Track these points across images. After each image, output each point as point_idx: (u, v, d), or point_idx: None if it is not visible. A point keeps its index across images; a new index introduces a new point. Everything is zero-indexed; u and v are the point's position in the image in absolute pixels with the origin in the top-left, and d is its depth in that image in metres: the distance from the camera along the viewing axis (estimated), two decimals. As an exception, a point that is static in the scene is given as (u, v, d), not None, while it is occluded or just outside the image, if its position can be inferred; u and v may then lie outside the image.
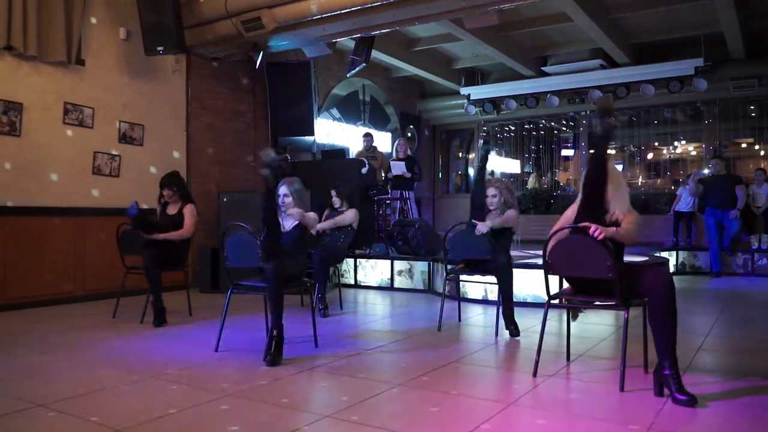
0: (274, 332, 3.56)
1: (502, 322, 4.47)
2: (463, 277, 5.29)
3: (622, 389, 2.95)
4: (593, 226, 2.95)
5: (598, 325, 4.70)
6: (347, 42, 7.89)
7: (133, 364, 3.53)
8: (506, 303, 4.38)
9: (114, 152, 6.45)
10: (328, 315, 5.08)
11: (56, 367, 3.51)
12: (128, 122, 6.59)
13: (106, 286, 5.97)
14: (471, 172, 13.21)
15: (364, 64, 7.25)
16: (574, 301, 3.34)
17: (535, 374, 3.22)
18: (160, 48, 6.23)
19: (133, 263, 5.04)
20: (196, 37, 6.73)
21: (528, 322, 4.60)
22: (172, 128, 7.12)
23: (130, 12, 6.47)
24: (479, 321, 5.04)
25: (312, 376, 3.30)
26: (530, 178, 12.89)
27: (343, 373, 3.31)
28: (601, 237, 2.92)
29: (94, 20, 6.26)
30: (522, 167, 13.17)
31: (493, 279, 4.49)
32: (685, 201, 9.27)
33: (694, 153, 12.06)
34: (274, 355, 3.50)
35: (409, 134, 11.98)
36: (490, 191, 4.52)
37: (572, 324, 3.65)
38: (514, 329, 4.30)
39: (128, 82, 6.62)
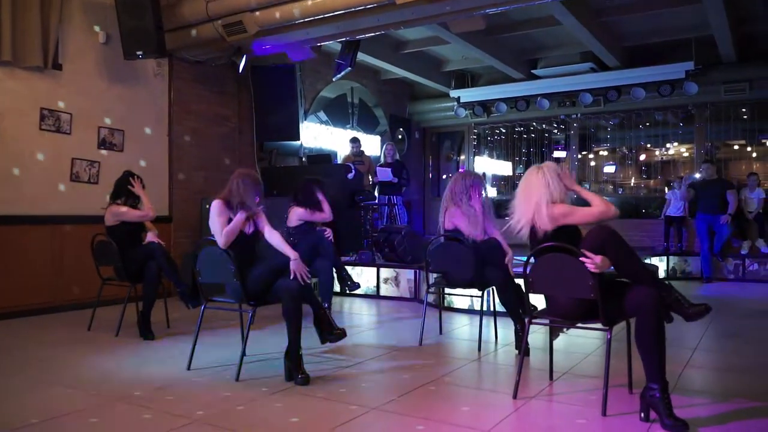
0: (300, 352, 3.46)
1: (485, 335, 4.37)
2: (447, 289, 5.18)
3: (604, 414, 2.84)
4: (590, 260, 2.81)
5: (583, 338, 4.59)
6: (335, 44, 7.77)
7: (101, 385, 3.40)
8: (514, 320, 4.23)
9: (93, 159, 6.31)
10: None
11: (19, 388, 3.38)
12: (108, 128, 6.45)
13: (85, 296, 5.82)
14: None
15: (350, 68, 7.13)
16: (555, 321, 3.24)
17: (515, 396, 3.11)
18: (139, 52, 6.08)
19: (108, 274, 4.93)
20: (178, 40, 6.59)
21: (513, 334, 4.48)
22: (154, 133, 6.98)
23: (109, 15, 6.31)
24: (463, 333, 4.93)
25: (285, 398, 3.18)
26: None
27: (318, 395, 3.19)
28: (593, 270, 2.81)
29: (71, 24, 6.11)
30: (513, 170, 13.09)
31: (476, 292, 4.37)
32: (675, 205, 9.20)
33: (686, 155, 12.00)
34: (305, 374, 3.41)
35: (400, 136, 11.86)
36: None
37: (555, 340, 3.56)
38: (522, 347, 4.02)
39: (108, 87, 6.47)
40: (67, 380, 3.52)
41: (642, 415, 2.79)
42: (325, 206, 5.51)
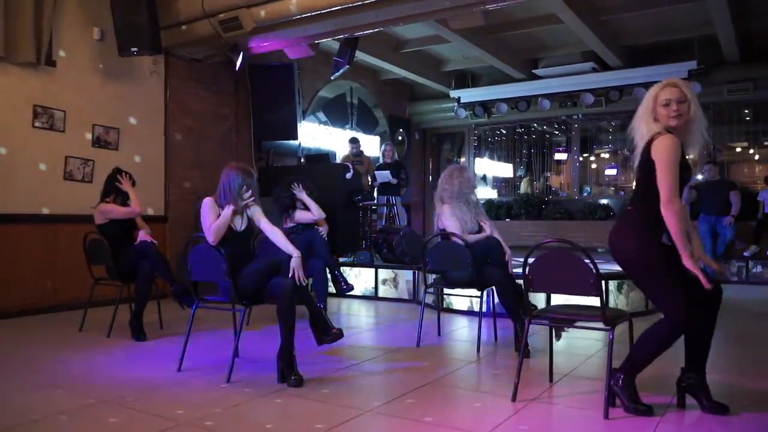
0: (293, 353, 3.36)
1: (485, 336, 4.27)
2: (446, 289, 5.08)
3: (606, 417, 2.74)
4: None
5: (586, 339, 4.48)
6: (333, 43, 7.68)
7: (89, 386, 3.30)
8: (513, 321, 4.12)
9: (87, 157, 6.21)
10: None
11: (7, 389, 3.27)
12: (102, 126, 6.36)
13: (79, 297, 5.69)
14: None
15: (347, 66, 7.03)
16: (557, 320, 3.14)
17: (514, 399, 3.00)
18: (134, 48, 5.99)
19: (100, 274, 4.83)
20: (173, 37, 6.50)
21: (512, 336, 4.37)
22: (149, 132, 6.88)
23: (104, 11, 6.21)
24: (462, 335, 4.82)
25: (276, 400, 3.07)
26: (522, 183, 12.71)
27: (311, 397, 3.09)
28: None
29: (65, 20, 6.02)
30: (514, 171, 13.00)
31: (475, 292, 4.26)
32: None
33: (688, 158, 11.87)
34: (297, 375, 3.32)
35: (400, 138, 11.76)
36: (471, 174, 4.47)
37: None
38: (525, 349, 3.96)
39: (103, 84, 6.38)
40: (56, 381, 3.42)
41: (679, 401, 2.89)
42: (312, 206, 5.38)
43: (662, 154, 2.64)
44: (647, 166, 2.70)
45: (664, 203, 2.61)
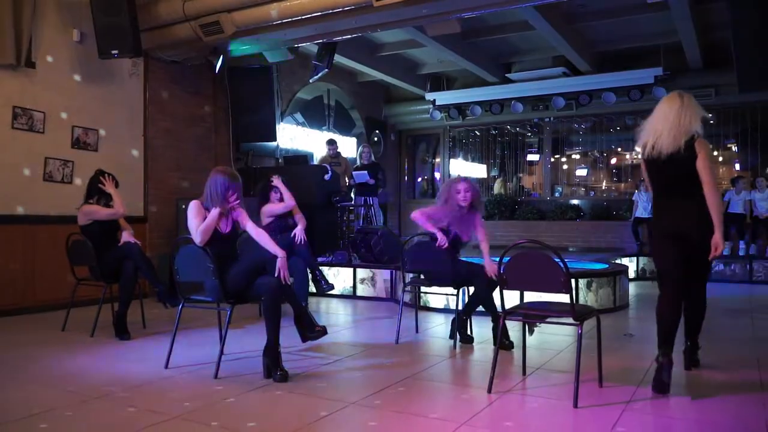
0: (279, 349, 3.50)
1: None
2: (423, 287, 5.26)
3: (575, 406, 2.94)
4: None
5: (556, 335, 4.69)
6: (311, 46, 7.81)
7: (78, 384, 3.39)
8: (492, 314, 4.32)
9: (67, 158, 6.24)
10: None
11: (-6, 387, 3.36)
12: (82, 127, 6.39)
13: (58, 297, 5.75)
14: (437, 176, 13.27)
15: (326, 70, 7.17)
16: (530, 316, 3.33)
17: (489, 390, 3.19)
18: (114, 51, 6.04)
19: (83, 274, 4.89)
20: (154, 40, 6.56)
21: (488, 332, 4.57)
22: (128, 133, 6.93)
23: (84, 13, 6.25)
24: (439, 332, 5.01)
25: (264, 394, 3.21)
26: (496, 183, 12.98)
27: (296, 391, 3.23)
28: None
29: (44, 22, 6.04)
30: (488, 172, 13.26)
31: (451, 290, 4.44)
32: (642, 206, 9.43)
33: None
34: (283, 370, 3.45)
35: (375, 139, 11.93)
36: (462, 185, 4.31)
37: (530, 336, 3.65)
38: (507, 342, 4.20)
39: (82, 86, 6.41)
40: (42, 379, 3.50)
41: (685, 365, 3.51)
42: (285, 194, 5.45)
43: (707, 147, 3.26)
44: (694, 154, 3.19)
45: (714, 184, 3.19)
